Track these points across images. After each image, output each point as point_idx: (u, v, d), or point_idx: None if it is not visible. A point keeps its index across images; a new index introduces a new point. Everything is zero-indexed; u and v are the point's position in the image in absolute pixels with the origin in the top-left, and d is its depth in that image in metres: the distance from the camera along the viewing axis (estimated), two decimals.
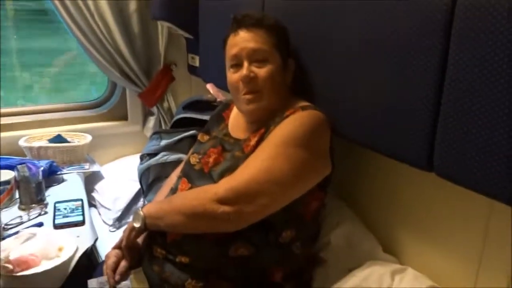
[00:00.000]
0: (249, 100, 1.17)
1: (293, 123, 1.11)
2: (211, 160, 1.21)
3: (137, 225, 1.13)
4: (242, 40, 1.17)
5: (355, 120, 1.10)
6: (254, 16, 1.19)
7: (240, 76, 1.16)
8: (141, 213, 1.12)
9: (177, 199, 1.15)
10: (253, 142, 1.15)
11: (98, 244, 1.53)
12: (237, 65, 1.18)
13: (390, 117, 0.99)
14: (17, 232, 1.37)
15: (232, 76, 1.19)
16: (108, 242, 1.38)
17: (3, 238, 1.32)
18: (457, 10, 0.82)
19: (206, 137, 1.34)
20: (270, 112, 1.17)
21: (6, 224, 1.44)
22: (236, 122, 1.30)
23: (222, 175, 1.13)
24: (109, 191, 1.98)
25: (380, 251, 1.22)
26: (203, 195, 1.07)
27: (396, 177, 1.22)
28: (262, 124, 1.18)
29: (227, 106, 1.39)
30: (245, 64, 1.16)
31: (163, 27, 2.25)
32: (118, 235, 1.22)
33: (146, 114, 2.43)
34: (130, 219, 1.18)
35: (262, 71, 1.15)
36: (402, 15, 0.93)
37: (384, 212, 1.28)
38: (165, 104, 2.36)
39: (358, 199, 1.36)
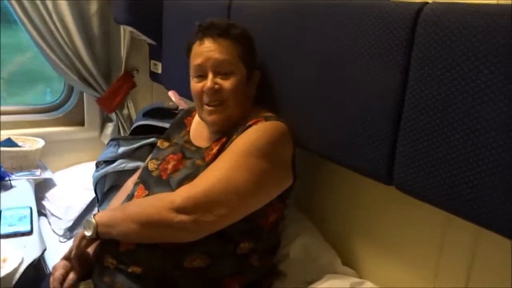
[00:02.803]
0: (212, 111, 1.15)
1: (255, 133, 1.10)
2: (170, 166, 1.18)
3: (88, 233, 1.07)
4: (207, 50, 1.14)
5: (316, 132, 1.10)
6: (221, 25, 1.16)
7: (205, 88, 1.13)
8: (93, 220, 1.07)
9: (131, 207, 1.10)
10: (214, 150, 1.13)
11: (46, 255, 1.46)
12: (201, 76, 1.16)
13: (351, 130, 0.99)
14: None
15: (196, 85, 1.17)
16: (57, 253, 1.31)
17: None
18: (418, 28, 0.84)
19: (166, 144, 1.31)
20: (233, 122, 1.16)
21: None
22: (198, 130, 1.28)
23: (181, 183, 1.10)
24: (61, 199, 1.89)
25: (339, 264, 1.21)
26: (159, 203, 1.03)
27: (356, 189, 1.22)
28: (224, 133, 1.16)
29: (189, 112, 1.36)
30: (210, 76, 1.14)
31: (125, 31, 2.19)
32: (68, 246, 1.16)
33: (104, 120, 2.35)
34: None
35: (226, 83, 1.14)
36: (365, 32, 0.94)
37: (343, 225, 1.28)
38: (125, 111, 2.29)
39: (318, 211, 1.35)
